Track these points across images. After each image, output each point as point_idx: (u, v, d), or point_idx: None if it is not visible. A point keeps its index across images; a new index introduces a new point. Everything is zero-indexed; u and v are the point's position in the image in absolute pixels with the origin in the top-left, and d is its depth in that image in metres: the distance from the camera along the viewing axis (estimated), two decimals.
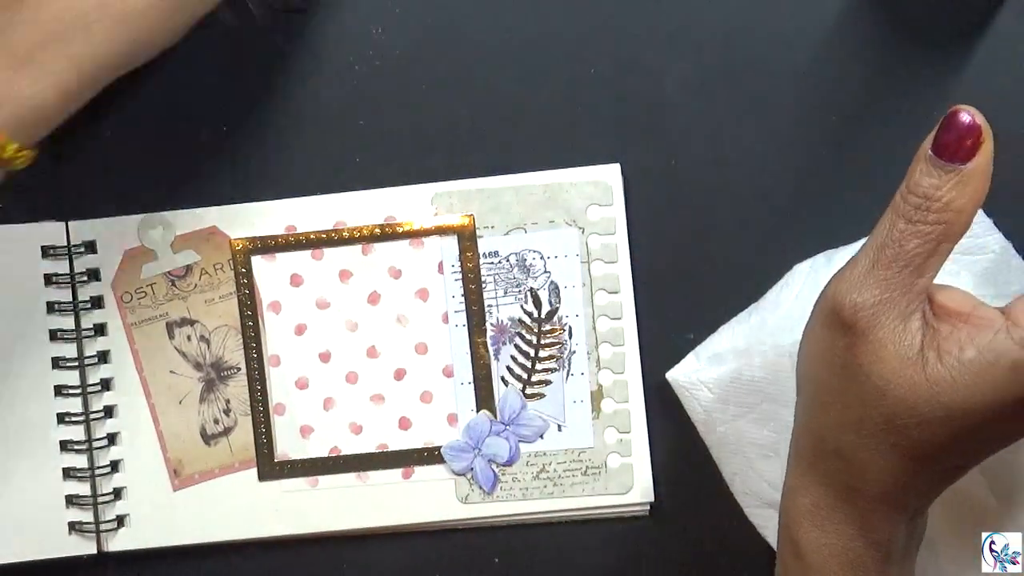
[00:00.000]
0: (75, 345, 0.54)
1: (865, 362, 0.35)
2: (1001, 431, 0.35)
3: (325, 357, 0.54)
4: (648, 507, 0.54)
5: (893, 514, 0.37)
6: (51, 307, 0.54)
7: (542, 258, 0.54)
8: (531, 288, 0.54)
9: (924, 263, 0.35)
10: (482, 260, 0.54)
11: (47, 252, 0.54)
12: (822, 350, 0.36)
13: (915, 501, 0.37)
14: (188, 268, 0.55)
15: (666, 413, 0.53)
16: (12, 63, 0.41)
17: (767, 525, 0.51)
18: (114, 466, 0.55)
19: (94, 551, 0.55)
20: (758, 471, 0.50)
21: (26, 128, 0.43)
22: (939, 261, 0.35)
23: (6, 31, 0.41)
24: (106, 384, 0.55)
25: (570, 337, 0.53)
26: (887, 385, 0.34)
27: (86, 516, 0.54)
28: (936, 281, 0.46)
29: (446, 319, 0.54)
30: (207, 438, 0.55)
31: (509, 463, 0.54)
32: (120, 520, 0.55)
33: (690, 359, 0.52)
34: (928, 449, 0.35)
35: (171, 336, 0.55)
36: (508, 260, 0.54)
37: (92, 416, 0.54)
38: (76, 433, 0.54)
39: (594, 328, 0.53)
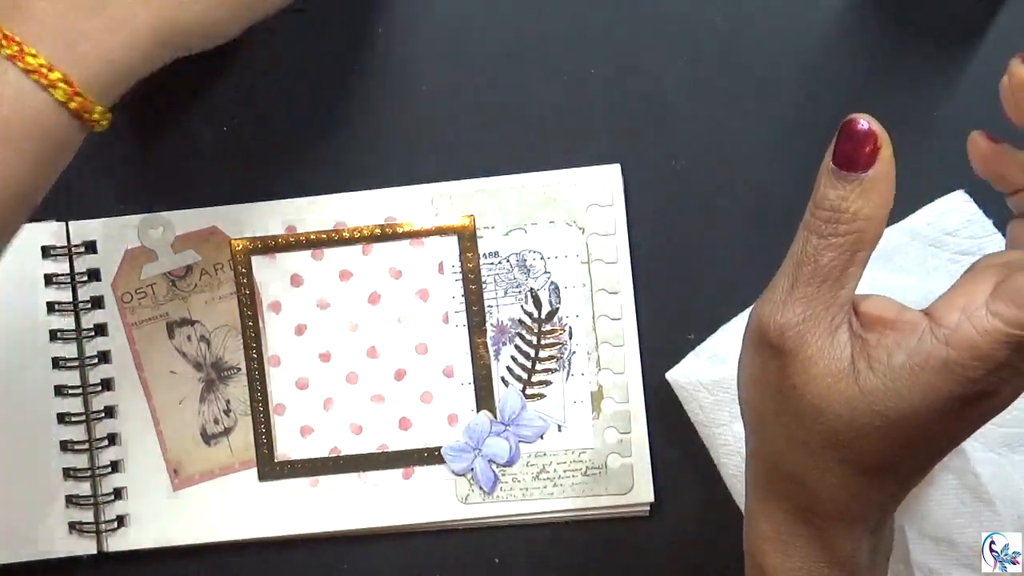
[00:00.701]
0: (75, 345, 0.54)
1: (798, 383, 0.34)
2: (945, 432, 0.35)
3: (325, 357, 0.55)
4: (648, 507, 0.54)
5: (854, 530, 0.37)
6: (51, 307, 0.54)
7: (542, 258, 0.54)
8: (531, 288, 0.54)
9: (843, 275, 0.34)
10: (482, 260, 0.54)
11: (47, 252, 0.54)
12: (756, 376, 0.36)
13: (875, 513, 0.37)
14: (188, 268, 0.55)
15: (666, 413, 0.53)
16: (109, 24, 0.40)
17: None
18: (114, 466, 0.55)
19: (94, 551, 0.55)
20: None
21: (114, 89, 0.42)
22: (858, 271, 0.35)
23: None
24: (106, 384, 0.55)
25: (570, 337, 0.53)
26: (823, 402, 0.34)
27: (86, 516, 0.54)
28: (936, 283, 0.46)
29: (446, 319, 0.54)
30: (207, 438, 0.55)
31: (509, 463, 0.54)
32: (120, 520, 0.55)
33: (690, 359, 0.52)
34: (876, 460, 0.35)
35: (171, 336, 0.55)
36: (508, 260, 0.54)
37: (92, 416, 0.54)
38: (76, 433, 0.54)
39: (594, 328, 0.53)
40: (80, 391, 0.54)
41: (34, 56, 0.39)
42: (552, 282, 0.54)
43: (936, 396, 0.33)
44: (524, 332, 0.54)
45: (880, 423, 0.34)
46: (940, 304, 0.34)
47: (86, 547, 0.55)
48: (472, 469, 0.54)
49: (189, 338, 0.55)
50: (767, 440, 0.37)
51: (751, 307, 0.51)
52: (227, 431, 0.55)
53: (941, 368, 0.33)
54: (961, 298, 0.33)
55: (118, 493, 0.55)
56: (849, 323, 0.35)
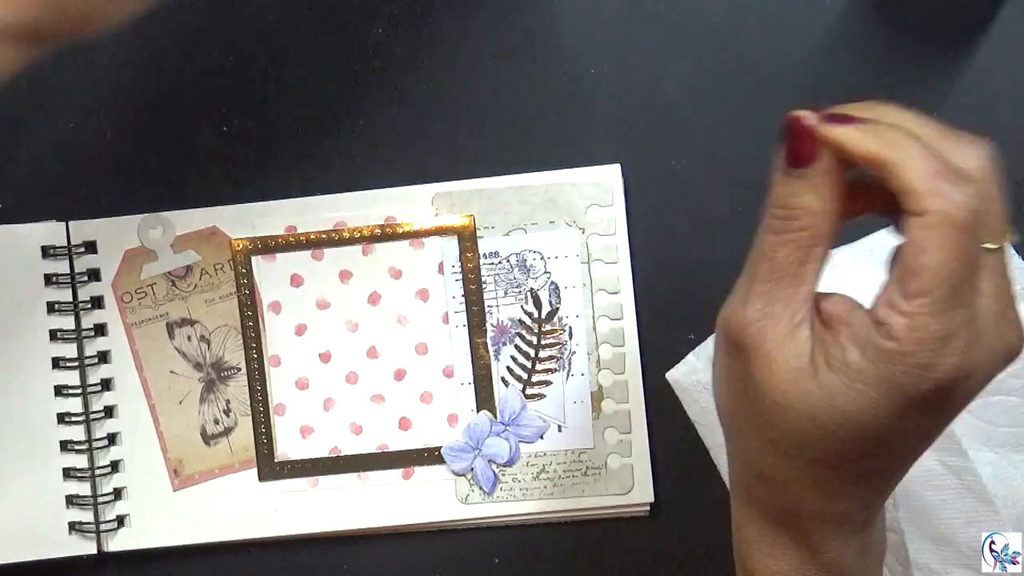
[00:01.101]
0: (75, 345, 0.54)
1: (761, 378, 0.34)
2: (913, 428, 0.34)
3: (325, 357, 0.54)
4: (648, 507, 0.54)
5: (840, 531, 0.36)
6: (51, 307, 0.54)
7: (542, 259, 0.54)
8: (531, 288, 0.54)
9: (800, 270, 0.34)
10: (482, 260, 0.54)
11: (47, 252, 0.54)
12: (724, 376, 0.36)
13: (858, 513, 0.37)
14: (188, 268, 0.55)
15: (666, 413, 0.53)
16: None
17: None
18: (114, 466, 0.55)
19: (94, 551, 0.54)
20: None
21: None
22: (816, 267, 0.35)
23: None
24: (106, 384, 0.55)
25: (570, 337, 0.53)
26: (784, 400, 0.34)
27: (86, 516, 0.54)
28: None
29: (446, 319, 0.54)
30: (207, 438, 0.55)
31: (509, 463, 0.54)
32: (120, 520, 0.55)
33: (690, 359, 0.52)
34: (845, 457, 0.34)
35: (171, 336, 0.55)
36: (508, 260, 0.54)
37: (92, 416, 0.54)
38: (76, 433, 0.54)
39: (594, 329, 0.53)
40: (80, 391, 0.54)
41: None
42: (552, 282, 0.54)
43: (889, 393, 0.32)
44: (524, 332, 0.54)
45: (842, 420, 0.33)
46: (879, 302, 0.34)
47: (86, 547, 0.55)
48: (472, 469, 0.54)
49: (189, 338, 0.55)
50: (740, 441, 0.37)
51: None
52: (227, 431, 0.55)
53: (888, 360, 0.32)
54: (883, 291, 0.33)
55: (118, 493, 0.55)
56: (811, 321, 0.35)
